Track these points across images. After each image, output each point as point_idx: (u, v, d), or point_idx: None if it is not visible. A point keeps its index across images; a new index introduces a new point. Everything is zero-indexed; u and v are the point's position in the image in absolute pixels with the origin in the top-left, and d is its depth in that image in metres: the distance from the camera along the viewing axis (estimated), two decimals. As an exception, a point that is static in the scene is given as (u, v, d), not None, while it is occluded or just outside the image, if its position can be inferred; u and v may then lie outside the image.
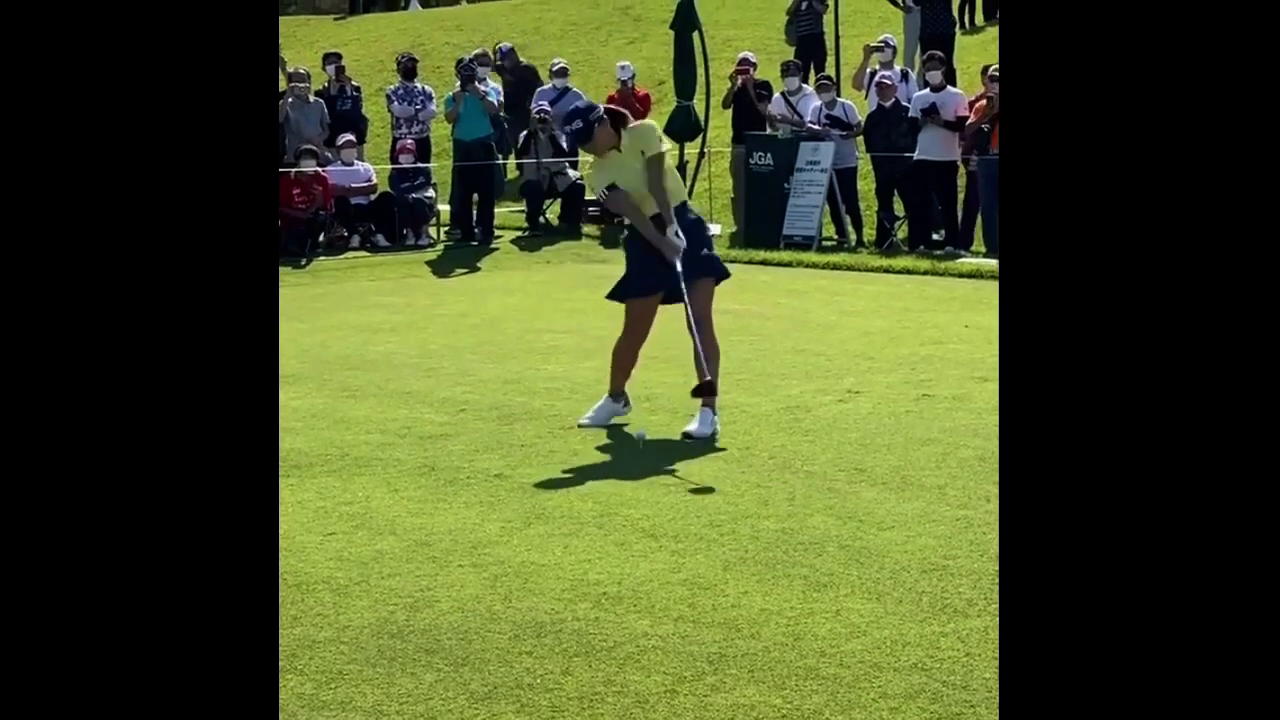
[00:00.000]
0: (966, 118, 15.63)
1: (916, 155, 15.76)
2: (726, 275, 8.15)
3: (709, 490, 6.65)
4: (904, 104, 16.33)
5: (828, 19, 19.37)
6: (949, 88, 16.19)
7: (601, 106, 8.11)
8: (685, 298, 7.81)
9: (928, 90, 16.03)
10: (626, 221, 8.15)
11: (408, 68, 18.61)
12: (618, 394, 8.15)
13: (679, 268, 7.71)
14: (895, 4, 19.92)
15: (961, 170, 16.08)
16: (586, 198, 18.31)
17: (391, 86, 18.99)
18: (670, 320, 8.20)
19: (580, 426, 8.01)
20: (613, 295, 8.07)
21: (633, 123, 8.02)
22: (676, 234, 7.75)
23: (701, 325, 7.85)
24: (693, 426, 7.74)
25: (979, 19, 21.89)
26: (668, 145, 7.88)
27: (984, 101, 15.53)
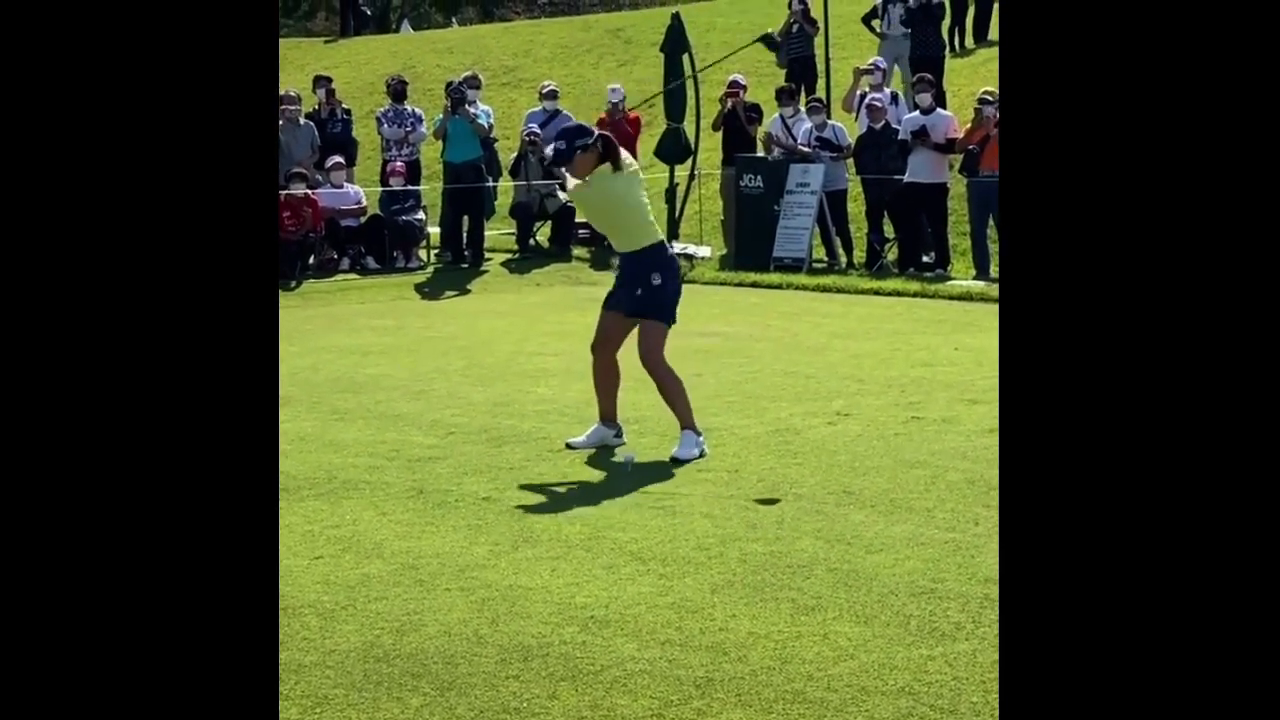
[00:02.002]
0: (956, 140, 15.66)
1: (906, 178, 15.79)
2: (673, 323, 8.05)
3: (697, 513, 6.64)
4: (894, 126, 16.37)
5: (818, 41, 19.42)
6: (938, 110, 16.22)
7: (598, 133, 8.07)
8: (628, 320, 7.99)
9: (917, 113, 16.07)
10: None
11: (398, 90, 18.64)
12: (606, 420, 8.14)
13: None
14: (871, 30, 19.94)
15: (952, 192, 16.11)
16: (577, 220, 18.33)
17: (381, 109, 19.01)
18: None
19: (568, 447, 8.00)
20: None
21: (624, 161, 7.97)
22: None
23: (651, 364, 7.91)
24: (676, 450, 7.75)
25: (969, 42, 21.93)
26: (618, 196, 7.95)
27: (970, 124, 15.57)
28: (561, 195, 8.04)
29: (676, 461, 7.65)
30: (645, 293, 7.92)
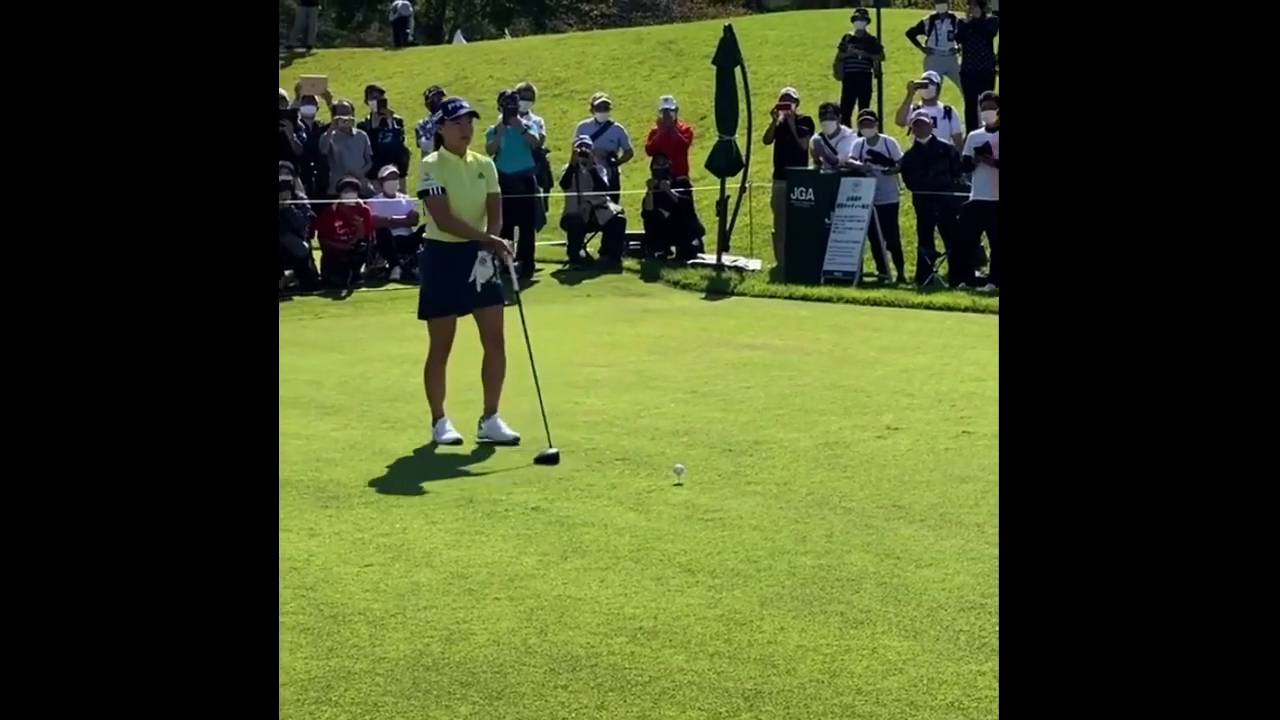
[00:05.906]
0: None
1: (972, 195, 15.64)
2: (510, 303, 8.92)
3: (746, 525, 6.63)
4: (941, 141, 16.27)
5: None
6: (1003, 127, 16.08)
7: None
8: (479, 319, 8.85)
9: (982, 130, 15.92)
10: (425, 236, 8.95)
11: (436, 102, 18.72)
12: (438, 416, 8.79)
13: (480, 281, 8.81)
14: (916, 44, 19.86)
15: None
16: (628, 231, 18.34)
17: (421, 121, 19.09)
18: (706, 356, 8.18)
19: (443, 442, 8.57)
20: (420, 314, 8.83)
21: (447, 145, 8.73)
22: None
23: (497, 345, 8.87)
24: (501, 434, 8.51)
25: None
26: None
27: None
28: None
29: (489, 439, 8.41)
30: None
